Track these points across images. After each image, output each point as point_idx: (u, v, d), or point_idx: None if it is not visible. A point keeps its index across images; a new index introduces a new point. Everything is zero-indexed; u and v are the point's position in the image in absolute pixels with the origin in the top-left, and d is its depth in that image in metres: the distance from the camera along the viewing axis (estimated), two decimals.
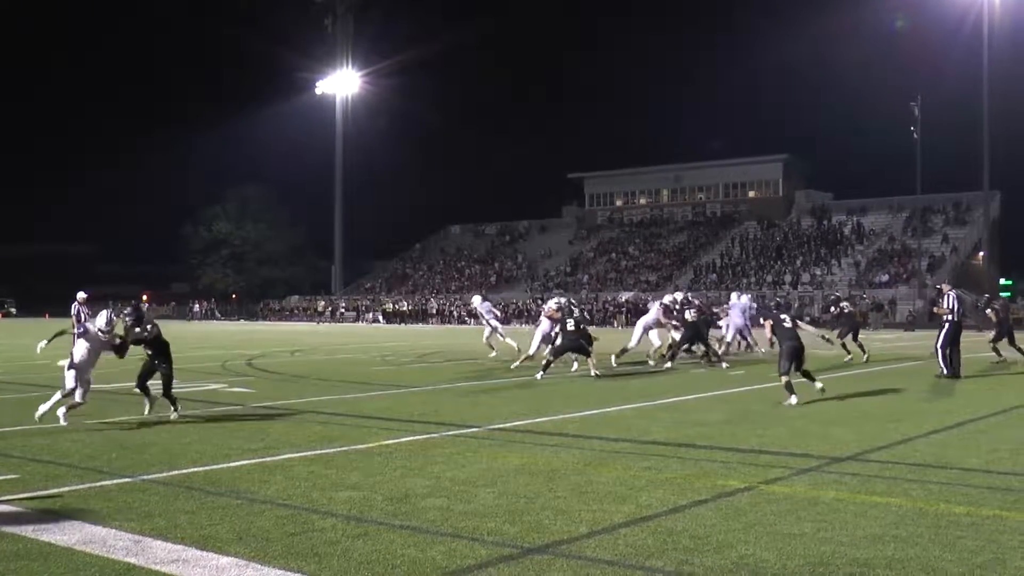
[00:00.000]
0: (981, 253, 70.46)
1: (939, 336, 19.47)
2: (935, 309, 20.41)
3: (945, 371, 18.99)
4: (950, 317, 19.31)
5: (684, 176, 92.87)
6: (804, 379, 15.11)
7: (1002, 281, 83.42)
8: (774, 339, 15.02)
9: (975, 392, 16.80)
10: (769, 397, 15.76)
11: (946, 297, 19.57)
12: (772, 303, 21.82)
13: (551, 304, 22.16)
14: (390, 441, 10.72)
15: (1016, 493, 8.00)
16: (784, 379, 14.64)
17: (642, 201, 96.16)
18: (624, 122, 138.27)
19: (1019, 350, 23.53)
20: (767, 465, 9.31)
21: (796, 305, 60.39)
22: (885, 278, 67.98)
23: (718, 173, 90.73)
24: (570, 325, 19.85)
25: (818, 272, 71.97)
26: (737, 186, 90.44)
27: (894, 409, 14.08)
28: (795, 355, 14.65)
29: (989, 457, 9.74)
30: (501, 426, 12.06)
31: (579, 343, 19.70)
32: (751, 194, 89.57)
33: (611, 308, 66.76)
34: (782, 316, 15.15)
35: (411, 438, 11.00)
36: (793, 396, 14.43)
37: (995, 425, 12.35)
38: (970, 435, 11.36)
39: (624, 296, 67.51)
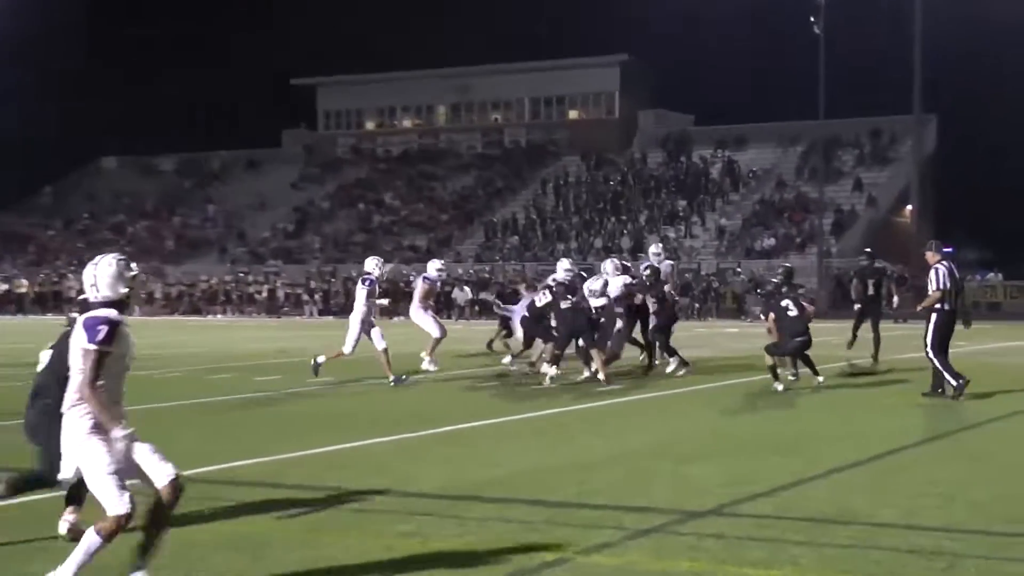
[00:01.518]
0: (909, 207, 73.30)
1: (928, 333, 19.23)
2: (928, 294, 19.48)
3: (956, 384, 18.87)
4: (944, 305, 19.06)
5: (472, 86, 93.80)
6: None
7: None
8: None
9: (897, 410, 17.72)
10: (593, 419, 16.10)
11: (935, 272, 19.23)
12: (769, 286, 23.16)
13: (433, 270, 25.37)
14: None
15: (947, 558, 8.47)
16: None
17: (407, 123, 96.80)
18: (380, 4, 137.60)
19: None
20: (590, 525, 9.51)
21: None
22: (771, 242, 70.35)
23: (523, 82, 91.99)
24: (539, 300, 23.12)
25: (672, 234, 73.72)
26: (552, 103, 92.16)
27: (780, 437, 14.68)
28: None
29: (911, 505, 10.28)
30: (190, 472, 11.81)
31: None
32: (573, 115, 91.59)
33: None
34: (784, 303, 20.12)
35: (34, 497, 10.63)
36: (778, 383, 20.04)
37: (923, 458, 13.11)
38: (888, 474, 12.00)
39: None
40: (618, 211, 78.64)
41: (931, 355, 19.09)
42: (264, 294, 68.84)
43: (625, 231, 75.49)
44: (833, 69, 69.53)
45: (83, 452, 7.81)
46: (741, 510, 10.11)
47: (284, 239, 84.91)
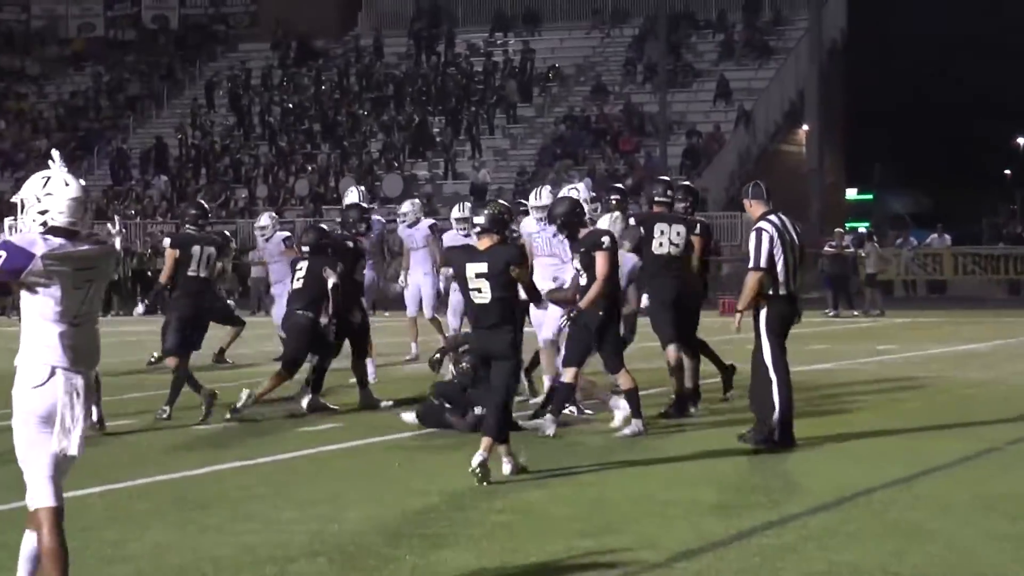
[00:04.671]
0: (804, 127, 74.77)
1: (761, 337, 18.59)
2: (748, 271, 18.85)
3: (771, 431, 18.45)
4: (778, 289, 18.50)
5: None
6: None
7: (850, 194, 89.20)
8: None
9: (771, 460, 18.11)
10: (279, 478, 16.13)
11: (756, 236, 18.44)
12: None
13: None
14: None
15: None
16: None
17: None
18: None
19: None
20: None
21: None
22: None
23: None
24: None
25: (424, 172, 73.90)
26: None
27: (582, 507, 14.93)
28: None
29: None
30: None
31: None
32: None
33: None
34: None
35: None
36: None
37: (822, 532, 13.36)
38: (766, 558, 12.17)
39: None
40: (335, 135, 78.68)
41: (769, 367, 18.39)
42: None
43: (345, 168, 75.42)
44: None
45: None
46: None
47: None
